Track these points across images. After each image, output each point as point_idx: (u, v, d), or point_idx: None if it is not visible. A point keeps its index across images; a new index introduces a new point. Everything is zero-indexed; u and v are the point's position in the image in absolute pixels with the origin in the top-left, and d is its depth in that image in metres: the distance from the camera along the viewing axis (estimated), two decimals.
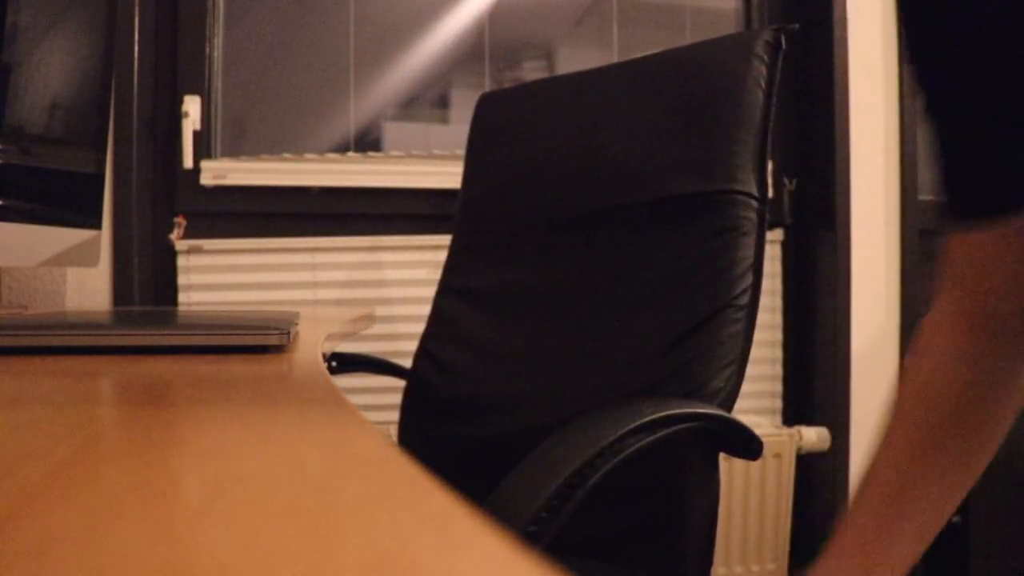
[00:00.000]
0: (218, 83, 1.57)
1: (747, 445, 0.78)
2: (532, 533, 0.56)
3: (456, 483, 1.04)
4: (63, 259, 0.93)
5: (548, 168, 1.08)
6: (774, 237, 1.71)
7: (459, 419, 1.06)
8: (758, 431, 0.79)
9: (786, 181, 1.73)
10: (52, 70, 0.87)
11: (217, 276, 1.52)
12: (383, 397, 1.55)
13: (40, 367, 0.48)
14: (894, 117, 1.72)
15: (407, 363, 1.20)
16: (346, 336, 0.96)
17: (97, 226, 1.01)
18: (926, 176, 1.75)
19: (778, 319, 1.72)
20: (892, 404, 0.55)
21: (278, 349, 0.58)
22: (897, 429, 0.53)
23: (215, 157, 1.56)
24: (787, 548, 1.55)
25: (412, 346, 1.19)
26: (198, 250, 1.51)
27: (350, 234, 1.57)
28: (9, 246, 0.80)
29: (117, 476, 0.22)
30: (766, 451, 1.50)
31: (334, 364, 1.21)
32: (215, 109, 1.57)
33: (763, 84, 0.89)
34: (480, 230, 1.16)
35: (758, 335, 0.88)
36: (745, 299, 0.86)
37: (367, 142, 1.63)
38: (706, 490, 0.84)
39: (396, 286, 1.58)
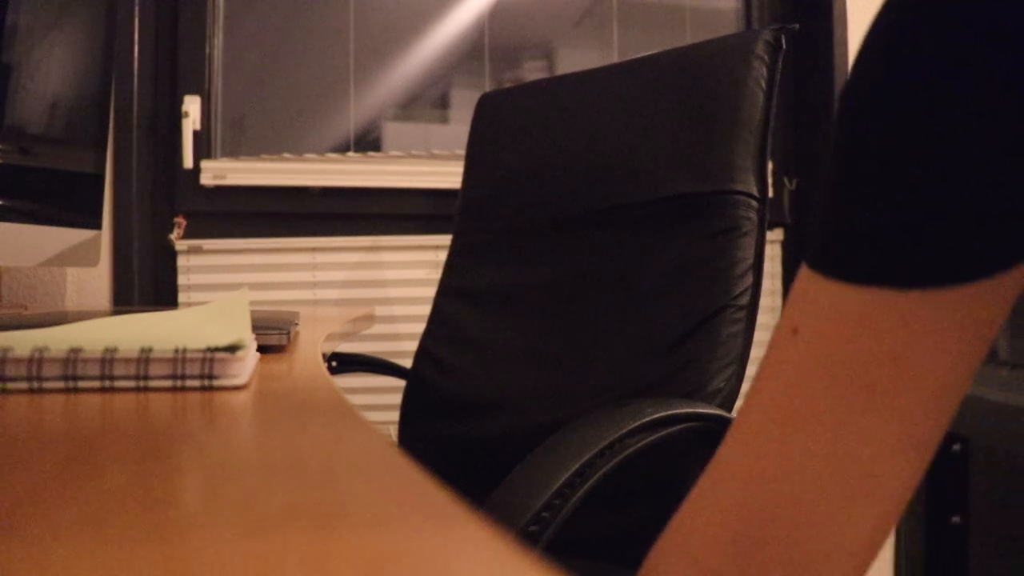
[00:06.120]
0: (218, 83, 1.57)
1: None
2: (533, 533, 0.56)
3: (456, 483, 1.04)
4: (63, 259, 0.93)
5: (548, 168, 1.08)
6: (774, 237, 1.71)
7: (459, 419, 1.06)
8: None
9: (786, 181, 1.73)
10: (52, 70, 0.87)
11: (217, 276, 1.52)
12: (383, 397, 1.55)
13: None
14: None
15: (407, 363, 1.20)
16: (346, 336, 0.96)
17: (97, 226, 1.01)
18: None
19: (778, 319, 1.72)
20: None
21: (278, 349, 0.58)
22: None
23: (215, 157, 1.56)
24: None
25: (412, 346, 1.19)
26: (198, 250, 1.51)
27: (350, 234, 1.56)
28: (9, 246, 0.80)
29: (117, 476, 0.22)
30: None
31: (334, 364, 1.21)
32: (215, 109, 1.57)
33: (763, 84, 0.89)
34: (480, 230, 1.16)
35: (758, 335, 0.88)
36: (745, 299, 0.86)
37: (367, 142, 1.63)
38: None
39: (396, 286, 1.58)
